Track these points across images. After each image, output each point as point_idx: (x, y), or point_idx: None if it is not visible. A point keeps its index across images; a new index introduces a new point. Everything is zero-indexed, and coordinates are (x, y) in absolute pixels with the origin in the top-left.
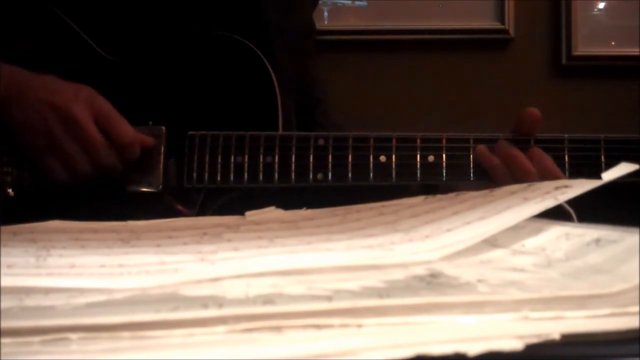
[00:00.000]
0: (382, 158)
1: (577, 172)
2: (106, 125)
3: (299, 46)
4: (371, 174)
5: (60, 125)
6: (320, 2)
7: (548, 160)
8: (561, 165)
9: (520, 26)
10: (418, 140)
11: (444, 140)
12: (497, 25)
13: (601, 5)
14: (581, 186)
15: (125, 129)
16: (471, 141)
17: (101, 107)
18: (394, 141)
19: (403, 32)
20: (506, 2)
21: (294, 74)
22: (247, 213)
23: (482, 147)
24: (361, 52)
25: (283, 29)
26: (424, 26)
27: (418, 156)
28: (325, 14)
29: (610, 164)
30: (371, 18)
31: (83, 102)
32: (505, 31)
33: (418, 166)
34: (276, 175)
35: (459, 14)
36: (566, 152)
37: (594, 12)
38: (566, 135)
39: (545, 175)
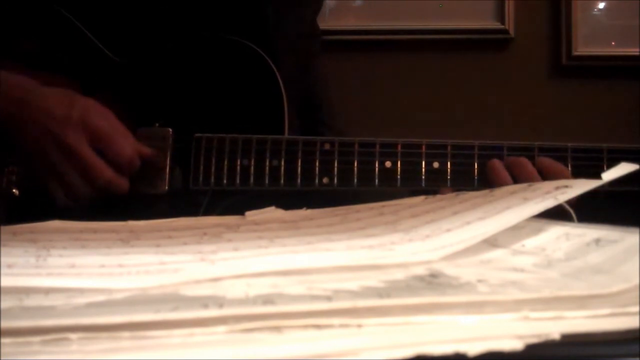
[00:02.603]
0: (388, 163)
1: None
2: (102, 144)
3: (301, 47)
4: (376, 179)
5: (57, 152)
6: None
7: (558, 166)
8: None
9: (520, 26)
10: (423, 147)
11: (449, 147)
12: (497, 25)
13: (601, 5)
14: (581, 186)
15: (122, 146)
16: (476, 148)
17: (95, 125)
18: (399, 147)
19: (403, 32)
20: (506, 2)
21: (297, 75)
22: (247, 213)
23: (496, 163)
24: (361, 52)
25: (285, 30)
26: (424, 26)
27: (423, 162)
28: (326, 13)
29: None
30: (371, 18)
31: (76, 125)
32: (505, 31)
33: (423, 172)
34: (282, 179)
35: (459, 14)
36: (569, 160)
37: (594, 12)
38: (569, 144)
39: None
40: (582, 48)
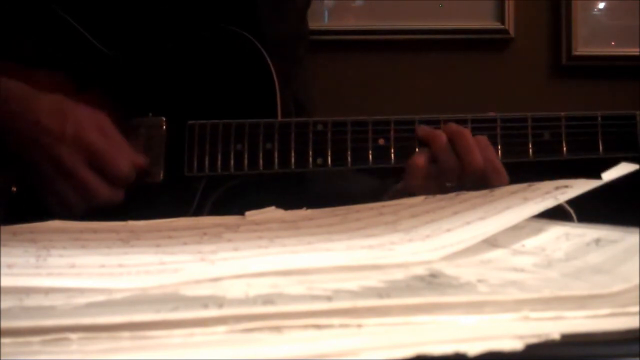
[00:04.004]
0: (381, 141)
1: (573, 148)
2: (98, 162)
3: (286, 51)
4: (370, 158)
5: (53, 170)
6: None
7: (490, 151)
8: (558, 142)
9: (520, 26)
10: (416, 123)
11: (441, 123)
12: (497, 25)
13: (601, 5)
14: (581, 186)
15: (118, 164)
16: (469, 123)
17: (90, 142)
18: (392, 125)
19: (403, 32)
20: (506, 2)
21: (282, 74)
22: (247, 213)
23: (425, 127)
24: (361, 52)
25: (274, 32)
26: (424, 26)
27: (416, 139)
28: (326, 13)
29: (606, 141)
30: (371, 18)
31: (71, 142)
32: (505, 31)
33: (416, 149)
34: (276, 162)
35: (459, 14)
36: (563, 129)
37: (594, 12)
38: (562, 113)
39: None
40: (582, 48)
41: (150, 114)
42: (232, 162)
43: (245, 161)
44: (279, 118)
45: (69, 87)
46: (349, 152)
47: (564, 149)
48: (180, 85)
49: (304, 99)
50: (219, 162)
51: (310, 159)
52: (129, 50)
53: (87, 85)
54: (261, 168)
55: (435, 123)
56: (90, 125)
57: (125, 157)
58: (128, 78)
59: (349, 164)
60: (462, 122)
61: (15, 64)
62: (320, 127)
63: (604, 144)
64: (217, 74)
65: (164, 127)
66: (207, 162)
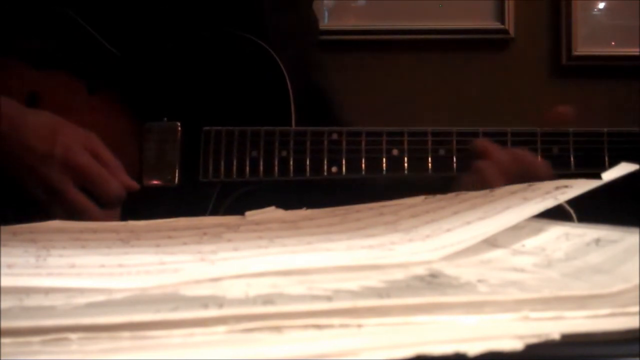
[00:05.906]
0: (395, 152)
1: (581, 163)
2: (87, 184)
3: (298, 37)
4: (384, 168)
5: (42, 191)
6: None
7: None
8: (566, 157)
9: (520, 26)
10: (429, 135)
11: (454, 134)
12: (497, 25)
13: (601, 5)
14: (581, 186)
15: (109, 187)
16: (480, 135)
17: (78, 164)
18: (405, 135)
19: (403, 32)
20: (506, 2)
21: (298, 66)
22: (247, 213)
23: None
24: (361, 52)
25: (283, 28)
26: (424, 26)
27: (429, 150)
28: (325, 13)
29: (612, 156)
30: (371, 18)
31: (59, 164)
32: (505, 31)
33: (429, 159)
34: (291, 170)
35: (459, 14)
36: (571, 144)
37: (594, 12)
38: (570, 129)
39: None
40: (582, 48)
41: (165, 119)
42: (247, 168)
43: (261, 168)
44: (294, 126)
45: (80, 89)
46: (363, 161)
47: (572, 163)
48: (194, 89)
49: (327, 93)
50: (234, 169)
51: (325, 167)
52: (142, 53)
53: (99, 87)
54: (276, 175)
55: (447, 135)
56: (79, 146)
57: (116, 179)
58: (141, 81)
59: (363, 173)
60: (473, 135)
61: (25, 65)
62: (335, 136)
63: (610, 160)
64: (231, 80)
65: (179, 132)
66: (222, 168)
